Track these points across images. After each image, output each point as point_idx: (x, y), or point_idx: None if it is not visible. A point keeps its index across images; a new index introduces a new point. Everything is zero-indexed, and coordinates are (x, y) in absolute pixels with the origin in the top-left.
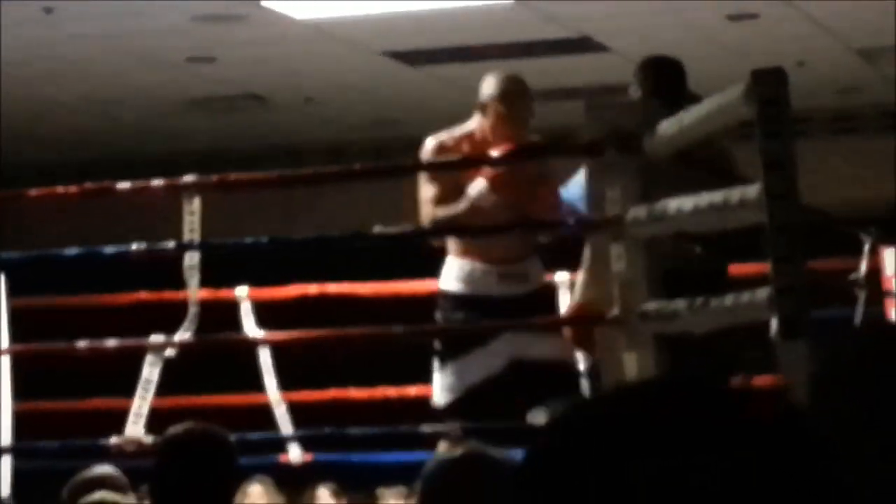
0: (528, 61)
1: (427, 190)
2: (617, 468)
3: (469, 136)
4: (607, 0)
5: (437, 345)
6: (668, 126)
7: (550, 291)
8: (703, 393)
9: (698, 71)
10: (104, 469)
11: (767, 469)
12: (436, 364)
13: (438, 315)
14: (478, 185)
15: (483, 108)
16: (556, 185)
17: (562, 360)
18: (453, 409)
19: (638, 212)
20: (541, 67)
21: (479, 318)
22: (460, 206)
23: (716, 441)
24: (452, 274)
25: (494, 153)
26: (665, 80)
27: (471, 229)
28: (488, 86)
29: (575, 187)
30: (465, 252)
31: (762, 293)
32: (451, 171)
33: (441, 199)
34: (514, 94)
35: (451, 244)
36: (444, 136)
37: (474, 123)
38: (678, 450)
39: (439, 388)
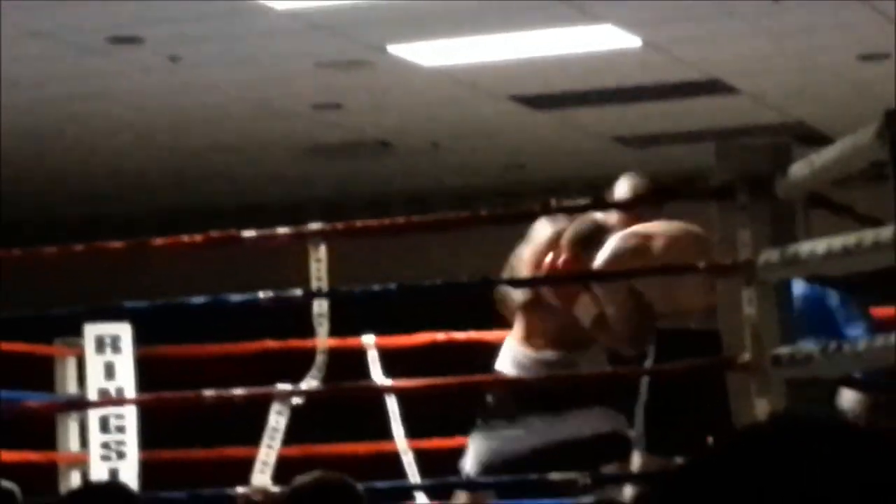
0: (657, 104)
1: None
2: None
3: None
4: (736, 42)
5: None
6: (799, 168)
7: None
8: (842, 434)
9: (829, 111)
10: None
11: None
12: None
13: (488, 397)
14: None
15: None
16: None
17: (594, 435)
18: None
19: (770, 255)
20: (669, 110)
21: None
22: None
23: (859, 483)
24: (507, 359)
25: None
26: None
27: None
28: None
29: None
30: (523, 338)
31: None
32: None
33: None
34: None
35: (515, 328)
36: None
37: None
38: (822, 492)
39: (471, 453)
